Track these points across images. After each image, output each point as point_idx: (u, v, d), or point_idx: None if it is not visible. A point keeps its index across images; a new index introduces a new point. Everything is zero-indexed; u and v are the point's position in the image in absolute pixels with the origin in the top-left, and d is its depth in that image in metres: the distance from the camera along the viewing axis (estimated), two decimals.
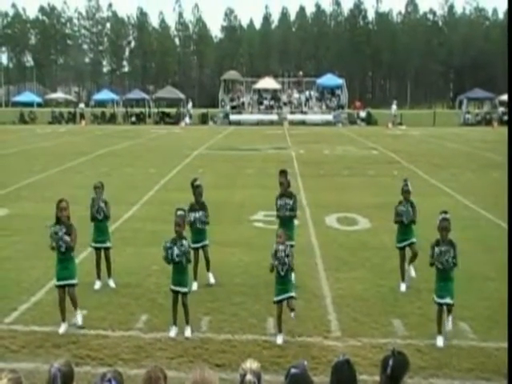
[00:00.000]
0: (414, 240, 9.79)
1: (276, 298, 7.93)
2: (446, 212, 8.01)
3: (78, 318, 8.21)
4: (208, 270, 9.98)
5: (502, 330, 7.22)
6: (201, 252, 9.96)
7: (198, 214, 9.77)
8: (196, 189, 9.97)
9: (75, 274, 8.32)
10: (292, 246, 9.53)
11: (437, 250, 7.75)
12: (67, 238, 8.09)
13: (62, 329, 8.07)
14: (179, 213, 8.17)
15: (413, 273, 9.76)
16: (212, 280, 9.91)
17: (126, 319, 8.49)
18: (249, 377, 4.11)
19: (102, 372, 4.40)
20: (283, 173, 10.26)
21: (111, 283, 9.95)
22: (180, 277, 8.03)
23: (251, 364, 4.21)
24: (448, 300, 7.75)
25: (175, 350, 7.51)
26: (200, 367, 4.25)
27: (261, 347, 7.60)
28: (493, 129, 52.28)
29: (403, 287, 9.77)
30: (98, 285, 9.92)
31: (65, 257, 8.22)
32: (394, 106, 61.10)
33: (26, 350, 7.45)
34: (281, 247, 7.82)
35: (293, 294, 7.96)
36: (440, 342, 7.70)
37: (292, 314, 7.90)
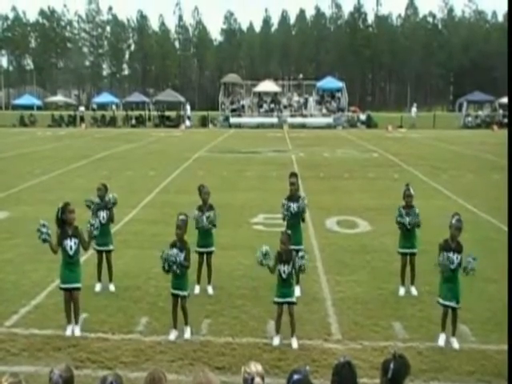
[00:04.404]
0: (415, 250, 9.76)
1: (276, 300, 7.93)
2: (458, 214, 8.06)
3: (76, 330, 8.12)
4: (209, 282, 9.87)
5: (503, 332, 7.21)
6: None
7: (206, 216, 9.73)
8: (202, 190, 9.92)
9: (80, 277, 8.33)
10: (301, 250, 9.48)
11: (447, 254, 7.74)
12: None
13: (69, 331, 8.06)
14: (181, 217, 8.14)
15: (415, 292, 9.71)
16: (211, 292, 9.78)
17: (126, 322, 8.48)
18: (258, 380, 4.13)
19: (102, 375, 4.40)
20: (294, 175, 10.26)
21: (111, 287, 9.91)
22: (179, 280, 8.00)
23: (256, 367, 4.22)
24: (453, 303, 7.73)
25: (175, 353, 7.49)
26: (203, 370, 4.26)
27: (261, 350, 7.59)
28: (493, 132, 52.32)
29: (402, 291, 9.76)
30: (98, 287, 9.90)
31: (72, 260, 8.22)
32: (414, 109, 61.55)
33: (26, 353, 7.44)
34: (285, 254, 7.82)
35: (294, 299, 7.95)
36: (442, 341, 7.69)
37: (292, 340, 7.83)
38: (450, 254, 7.73)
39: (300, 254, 7.91)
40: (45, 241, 8.13)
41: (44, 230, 8.06)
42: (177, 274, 7.94)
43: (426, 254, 9.98)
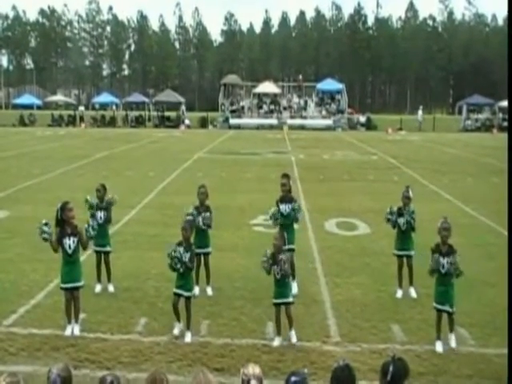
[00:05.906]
0: (411, 253, 9.76)
1: (274, 301, 7.93)
2: (446, 217, 8.06)
3: (76, 329, 8.12)
4: (208, 283, 9.87)
5: (502, 336, 7.21)
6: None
7: (202, 217, 9.75)
8: (199, 190, 9.92)
9: (81, 275, 8.32)
10: (293, 249, 9.54)
11: (437, 256, 7.74)
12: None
13: (68, 331, 8.06)
14: (188, 218, 8.14)
15: (414, 294, 9.71)
16: (210, 293, 9.78)
17: (125, 323, 8.47)
18: (254, 382, 4.11)
19: (100, 375, 4.40)
20: (286, 176, 10.27)
21: (110, 288, 9.89)
22: (184, 281, 8.00)
23: (254, 369, 4.21)
24: (447, 308, 7.72)
25: (174, 353, 7.48)
26: (202, 371, 4.25)
27: (260, 352, 7.58)
28: (492, 135, 52.37)
29: (399, 294, 9.76)
30: (98, 288, 9.87)
31: (71, 259, 8.21)
32: (420, 112, 61.86)
33: (24, 353, 7.43)
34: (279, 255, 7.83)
35: (290, 299, 7.96)
36: (439, 347, 7.68)
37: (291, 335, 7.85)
38: (441, 259, 7.74)
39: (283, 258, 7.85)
40: (46, 240, 8.14)
41: (45, 228, 8.06)
42: (180, 272, 7.94)
43: (423, 256, 9.95)
